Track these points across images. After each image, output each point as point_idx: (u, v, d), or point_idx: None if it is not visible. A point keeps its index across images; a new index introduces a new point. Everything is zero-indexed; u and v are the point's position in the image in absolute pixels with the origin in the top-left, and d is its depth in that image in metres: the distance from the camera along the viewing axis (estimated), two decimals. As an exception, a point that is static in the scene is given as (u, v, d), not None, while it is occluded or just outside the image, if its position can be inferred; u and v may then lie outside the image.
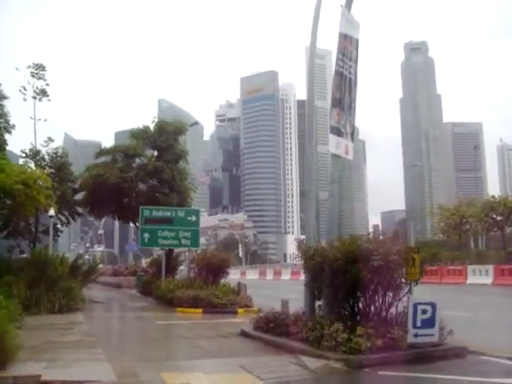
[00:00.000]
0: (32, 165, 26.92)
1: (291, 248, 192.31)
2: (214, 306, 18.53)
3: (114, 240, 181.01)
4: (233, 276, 32.97)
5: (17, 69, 27.27)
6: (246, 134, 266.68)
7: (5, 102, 26.30)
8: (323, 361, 8.96)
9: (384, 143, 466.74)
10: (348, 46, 11.98)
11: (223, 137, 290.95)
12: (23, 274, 18.74)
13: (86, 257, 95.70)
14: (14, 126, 26.57)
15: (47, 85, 27.73)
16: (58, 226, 30.99)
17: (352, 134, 12.23)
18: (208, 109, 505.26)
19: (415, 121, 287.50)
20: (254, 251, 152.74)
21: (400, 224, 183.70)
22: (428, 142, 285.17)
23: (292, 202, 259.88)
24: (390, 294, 10.04)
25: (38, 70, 27.45)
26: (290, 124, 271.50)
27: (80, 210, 30.64)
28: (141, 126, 29.89)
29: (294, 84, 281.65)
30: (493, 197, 47.22)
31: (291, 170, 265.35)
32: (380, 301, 10.03)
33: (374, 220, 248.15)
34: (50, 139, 29.01)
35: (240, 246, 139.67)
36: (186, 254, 26.18)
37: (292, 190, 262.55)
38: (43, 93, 27.53)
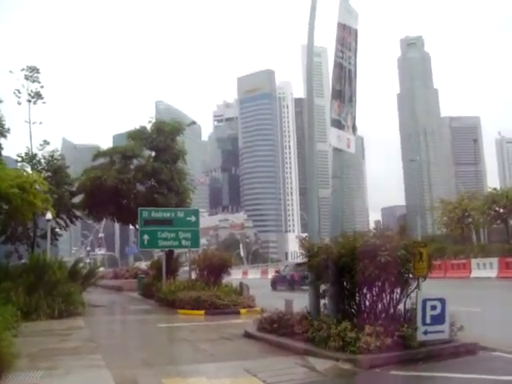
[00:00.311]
0: (28, 169, 26.59)
1: (292, 246, 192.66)
2: (216, 307, 18.24)
3: (114, 243, 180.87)
4: (234, 276, 32.78)
5: (11, 72, 26.94)
6: (244, 133, 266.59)
7: (-1, 106, 26.00)
8: (331, 362, 8.63)
9: (382, 139, 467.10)
10: (347, 36, 11.66)
11: (221, 137, 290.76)
12: (21, 279, 18.44)
13: (87, 260, 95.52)
14: (8, 129, 26.31)
15: (42, 87, 27.44)
16: (57, 230, 30.66)
17: (353, 127, 11.91)
18: (205, 109, 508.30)
19: (413, 116, 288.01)
20: (255, 251, 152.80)
21: (401, 219, 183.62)
22: (426, 136, 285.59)
23: (292, 200, 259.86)
24: (398, 291, 9.71)
25: (33, 72, 27.12)
26: (288, 122, 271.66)
27: (78, 213, 30.34)
28: (138, 127, 29.60)
29: (291, 82, 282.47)
30: (495, 189, 46.90)
31: (290, 168, 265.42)
32: (387, 298, 9.68)
33: (375, 216, 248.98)
34: (46, 142, 28.70)
35: (241, 245, 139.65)
36: (187, 254, 25.81)
37: (292, 188, 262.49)
38: (38, 96, 27.20)
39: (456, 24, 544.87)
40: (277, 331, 11.16)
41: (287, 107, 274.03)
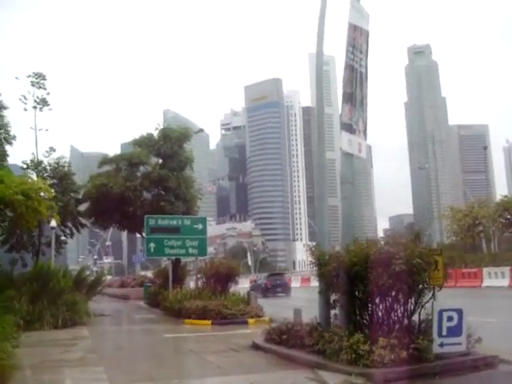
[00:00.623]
0: (34, 176, 26.33)
1: (300, 255, 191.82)
2: (223, 316, 17.88)
3: (122, 251, 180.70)
4: (242, 285, 32.37)
5: (17, 78, 26.77)
6: (251, 141, 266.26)
7: (5, 113, 25.88)
8: (343, 376, 8.21)
9: (390, 147, 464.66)
10: (358, 37, 11.31)
11: (229, 145, 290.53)
12: (25, 288, 18.16)
13: (95, 269, 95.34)
14: (14, 137, 26.08)
15: (48, 94, 27.26)
16: (62, 238, 30.37)
17: (365, 132, 11.54)
18: (213, 118, 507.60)
19: (421, 124, 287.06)
20: (262, 259, 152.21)
21: (409, 227, 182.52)
22: (434, 144, 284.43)
23: (300, 208, 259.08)
24: (412, 301, 9.28)
25: (39, 79, 26.94)
26: (296, 131, 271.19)
27: (84, 221, 30.05)
28: (145, 134, 29.34)
29: (299, 91, 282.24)
30: (506, 196, 46.28)
31: (298, 176, 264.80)
32: (402, 308, 9.25)
33: (382, 225, 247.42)
34: (52, 149, 28.46)
35: (249, 254, 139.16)
36: (195, 263, 25.48)
37: (299, 196, 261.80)
38: (44, 102, 27.02)
39: (463, 32, 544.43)
40: (286, 343, 10.78)
41: (295, 116, 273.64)
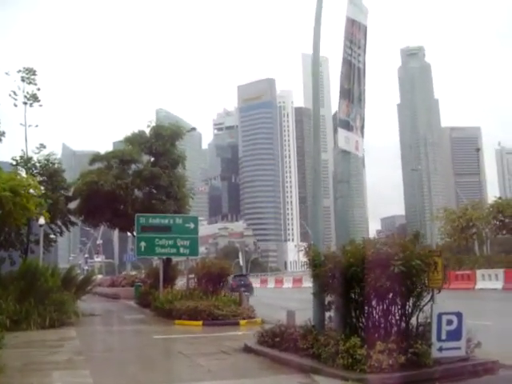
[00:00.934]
0: (23, 173, 25.85)
1: (292, 255, 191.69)
2: (214, 317, 17.59)
3: (113, 250, 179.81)
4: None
5: (7, 73, 26.27)
6: (244, 141, 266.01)
7: (-6, 109, 25.36)
8: (339, 381, 7.93)
9: (382, 149, 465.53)
10: (356, 32, 11.03)
11: (221, 145, 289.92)
12: (12, 286, 17.76)
13: (86, 268, 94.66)
14: (3, 133, 25.63)
15: (38, 90, 26.73)
16: (52, 236, 29.89)
17: (362, 129, 11.24)
18: (205, 117, 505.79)
19: (413, 126, 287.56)
20: (254, 259, 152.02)
21: (401, 229, 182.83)
22: (426, 147, 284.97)
23: (291, 209, 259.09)
24: (410, 303, 8.98)
25: (29, 74, 26.43)
26: (288, 131, 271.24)
27: (74, 218, 29.60)
28: (136, 131, 28.95)
29: (292, 91, 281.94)
30: (500, 198, 46.18)
31: (290, 177, 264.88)
32: (400, 311, 8.95)
33: (374, 226, 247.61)
34: (42, 146, 27.94)
35: (240, 254, 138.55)
36: (186, 262, 25.16)
37: (291, 196, 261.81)
38: (34, 98, 26.49)
39: (457, 34, 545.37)
40: (279, 345, 10.48)
41: (287, 116, 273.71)
